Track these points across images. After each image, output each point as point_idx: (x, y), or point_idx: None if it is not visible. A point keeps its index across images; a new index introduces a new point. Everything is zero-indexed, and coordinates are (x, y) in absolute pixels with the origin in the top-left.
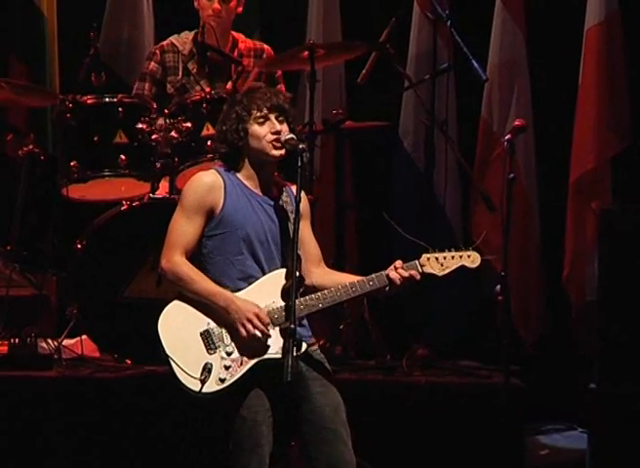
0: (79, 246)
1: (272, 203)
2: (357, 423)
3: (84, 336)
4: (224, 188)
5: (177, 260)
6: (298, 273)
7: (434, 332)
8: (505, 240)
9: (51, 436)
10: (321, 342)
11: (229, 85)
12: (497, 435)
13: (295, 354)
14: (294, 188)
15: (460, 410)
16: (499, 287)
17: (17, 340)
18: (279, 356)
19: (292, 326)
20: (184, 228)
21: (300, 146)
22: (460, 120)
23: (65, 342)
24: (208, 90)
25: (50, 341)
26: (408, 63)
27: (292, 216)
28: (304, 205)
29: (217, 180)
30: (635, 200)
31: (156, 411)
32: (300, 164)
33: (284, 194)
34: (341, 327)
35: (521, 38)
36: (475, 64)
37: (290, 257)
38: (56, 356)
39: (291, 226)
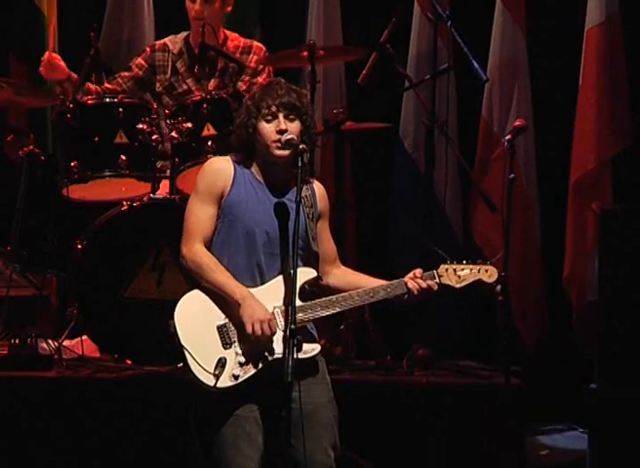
0: (79, 246)
1: (284, 199)
2: (357, 423)
3: (84, 337)
4: (234, 176)
5: (197, 249)
6: (316, 273)
7: (434, 332)
8: (505, 240)
9: (51, 436)
10: (322, 342)
11: (213, 82)
12: (497, 435)
13: (295, 354)
14: (315, 185)
15: (460, 410)
16: (499, 287)
17: (17, 341)
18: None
19: (292, 326)
20: (200, 214)
21: (301, 146)
22: (460, 120)
23: (66, 343)
24: (194, 88)
25: (50, 342)
26: (408, 63)
27: (310, 212)
28: (324, 204)
29: (227, 167)
30: (635, 200)
31: (156, 412)
32: (300, 164)
33: (304, 189)
34: (342, 327)
35: (521, 38)
36: (475, 65)
37: (306, 257)
38: (56, 356)
39: (311, 224)
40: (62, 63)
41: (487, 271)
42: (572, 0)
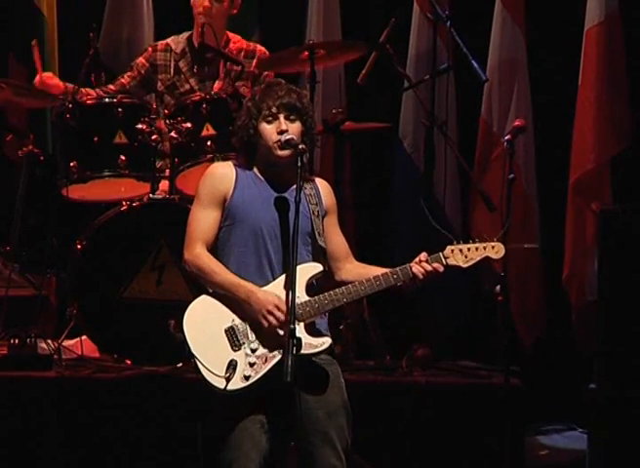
0: (79, 246)
1: (287, 198)
2: (357, 423)
3: (84, 337)
4: (236, 180)
5: (198, 253)
6: (323, 268)
7: (434, 332)
8: (505, 240)
9: (51, 436)
10: None
11: (217, 84)
12: (497, 435)
13: (294, 354)
14: (318, 181)
15: (460, 410)
16: (498, 287)
17: (17, 341)
18: (302, 352)
19: (292, 326)
20: (202, 219)
21: (300, 147)
22: (459, 120)
23: (65, 342)
24: (197, 88)
25: (50, 342)
26: (408, 63)
27: (315, 209)
28: (331, 200)
29: (229, 171)
30: (635, 200)
31: (156, 412)
32: (299, 164)
33: (308, 187)
34: (341, 327)
35: (521, 38)
36: (475, 65)
37: (315, 253)
38: (55, 356)
39: (316, 220)
40: (55, 80)
41: (494, 248)
42: (571, 0)
